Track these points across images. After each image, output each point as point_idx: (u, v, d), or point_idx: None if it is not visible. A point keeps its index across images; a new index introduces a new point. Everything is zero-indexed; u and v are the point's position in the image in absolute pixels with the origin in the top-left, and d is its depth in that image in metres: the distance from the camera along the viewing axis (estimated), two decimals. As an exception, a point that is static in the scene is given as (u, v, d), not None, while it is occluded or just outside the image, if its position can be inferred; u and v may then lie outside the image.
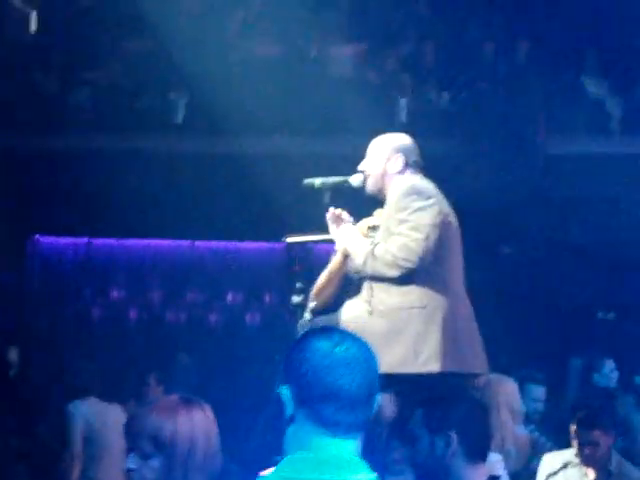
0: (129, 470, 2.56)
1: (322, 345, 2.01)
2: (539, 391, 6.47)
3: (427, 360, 4.31)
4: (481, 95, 9.30)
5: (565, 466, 5.03)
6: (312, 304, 4.57)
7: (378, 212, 4.61)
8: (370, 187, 4.59)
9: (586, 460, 4.94)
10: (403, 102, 9.24)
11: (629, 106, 9.21)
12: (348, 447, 2.00)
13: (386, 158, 4.57)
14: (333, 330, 2.08)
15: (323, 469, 1.96)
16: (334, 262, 4.60)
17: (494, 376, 5.72)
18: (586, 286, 9.04)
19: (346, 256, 4.53)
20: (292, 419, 2.00)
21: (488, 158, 8.50)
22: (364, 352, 2.03)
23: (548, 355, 8.60)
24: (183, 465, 2.51)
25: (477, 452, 3.23)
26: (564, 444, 5.25)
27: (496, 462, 4.08)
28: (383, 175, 4.56)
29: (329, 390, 1.97)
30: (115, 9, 9.98)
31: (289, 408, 2.00)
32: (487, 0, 9.94)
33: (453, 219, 4.53)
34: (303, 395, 1.99)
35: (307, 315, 4.56)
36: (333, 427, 1.98)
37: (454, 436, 3.17)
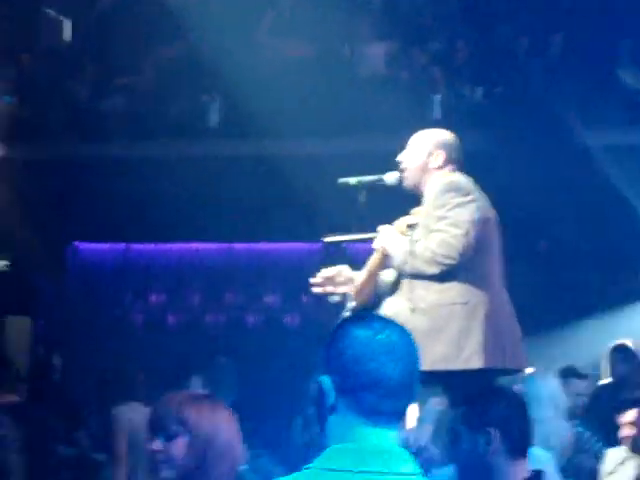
0: (154, 452, 2.64)
1: (363, 333, 1.98)
2: (582, 385, 6.42)
3: (470, 356, 4.29)
4: (515, 89, 9.24)
5: (623, 462, 4.99)
6: (351, 303, 4.57)
7: (416, 210, 4.59)
8: (408, 181, 4.57)
9: (628, 444, 4.90)
10: (437, 98, 9.21)
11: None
12: (390, 437, 1.97)
13: (428, 153, 4.56)
14: (372, 317, 2.07)
15: (368, 460, 1.93)
16: (373, 261, 4.59)
17: (536, 371, 5.68)
18: (626, 279, 8.96)
19: (385, 255, 4.52)
20: (333, 409, 1.98)
21: (524, 152, 8.45)
22: (405, 339, 2.01)
23: (589, 348, 8.52)
24: (206, 447, 2.60)
25: (518, 448, 3.22)
26: (612, 440, 5.20)
27: (545, 460, 4.06)
28: (423, 170, 4.55)
29: (372, 378, 1.95)
30: (145, 15, 10.04)
31: (330, 397, 1.98)
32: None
33: (492, 215, 4.51)
34: (345, 384, 1.96)
35: (346, 314, 4.56)
36: (375, 416, 1.96)
37: (496, 433, 3.16)
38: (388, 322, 2.04)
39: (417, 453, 5.43)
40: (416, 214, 4.58)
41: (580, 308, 8.87)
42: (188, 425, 2.60)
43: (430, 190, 4.47)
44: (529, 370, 5.01)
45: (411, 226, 4.55)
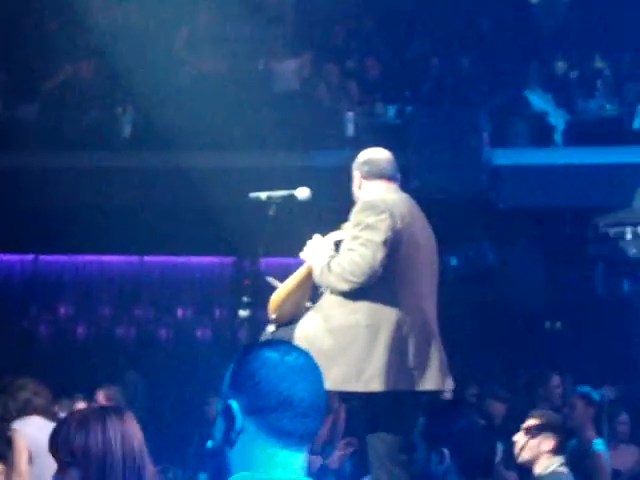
0: None
1: (271, 355, 2.00)
2: (500, 407, 6.62)
3: (370, 379, 4.28)
4: (427, 108, 9.38)
5: None
6: (273, 316, 4.55)
7: (345, 226, 4.63)
8: None
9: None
10: (350, 116, 9.29)
11: (572, 118, 9.36)
12: (298, 460, 1.97)
13: (353, 178, 4.68)
14: (278, 342, 2.09)
15: None
16: (297, 274, 4.60)
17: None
18: (534, 295, 9.13)
19: (311, 269, 4.55)
20: (241, 432, 1.97)
21: (434, 171, 8.58)
22: (311, 361, 2.03)
23: (498, 367, 8.67)
24: (100, 473, 2.54)
25: (472, 470, 3.19)
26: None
27: None
28: (356, 194, 4.65)
29: (283, 398, 1.96)
30: (62, 25, 9.93)
31: (238, 421, 1.97)
32: (431, 15, 10.04)
33: (416, 234, 4.48)
34: (255, 405, 1.96)
35: (271, 327, 4.55)
36: (286, 437, 1.96)
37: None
38: (293, 346, 2.08)
39: None
40: (346, 229, 4.61)
41: (490, 323, 9.01)
42: (77, 456, 2.54)
43: (353, 209, 4.53)
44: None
45: (338, 242, 4.58)
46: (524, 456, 5.06)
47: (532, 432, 5.05)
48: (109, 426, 2.58)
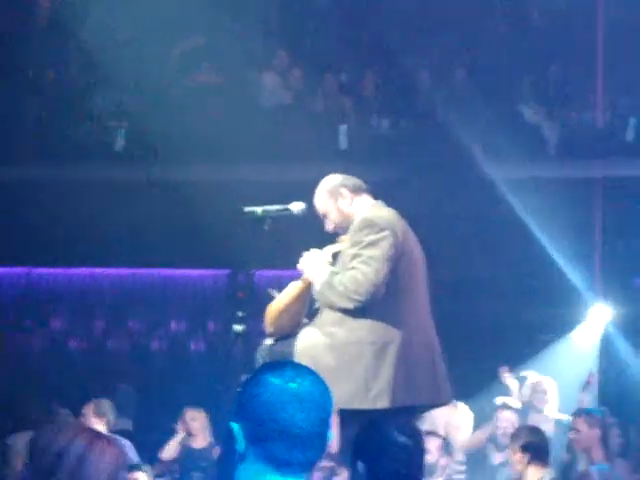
0: None
1: (275, 380, 1.96)
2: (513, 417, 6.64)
3: (377, 396, 4.29)
4: (420, 121, 9.41)
5: None
6: (270, 329, 4.54)
7: (343, 238, 4.60)
8: (337, 228, 4.60)
9: None
10: (343, 129, 9.30)
11: (565, 131, 9.38)
12: None
13: (335, 199, 4.61)
14: (287, 364, 2.04)
15: None
16: (294, 288, 4.58)
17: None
18: (526, 307, 9.14)
19: (310, 283, 4.52)
20: (243, 456, 1.95)
21: (427, 183, 8.59)
22: (318, 388, 1.98)
23: (487, 378, 8.66)
24: None
25: None
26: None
27: None
28: (341, 213, 4.58)
29: (282, 427, 1.93)
30: (53, 40, 9.94)
31: (240, 445, 1.95)
32: (425, 29, 10.06)
33: (412, 249, 4.48)
34: (255, 432, 1.94)
35: (268, 341, 4.54)
36: (285, 467, 1.93)
37: (361, 467, 3.17)
38: (302, 369, 2.02)
39: None
40: (342, 242, 4.58)
41: (482, 335, 9.02)
42: (46, 460, 2.43)
43: (351, 227, 4.51)
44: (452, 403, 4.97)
45: (336, 255, 4.56)
46: (514, 472, 5.11)
47: (517, 448, 5.09)
48: (89, 455, 2.48)
